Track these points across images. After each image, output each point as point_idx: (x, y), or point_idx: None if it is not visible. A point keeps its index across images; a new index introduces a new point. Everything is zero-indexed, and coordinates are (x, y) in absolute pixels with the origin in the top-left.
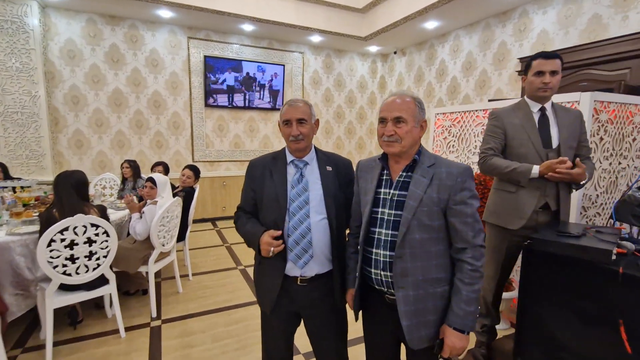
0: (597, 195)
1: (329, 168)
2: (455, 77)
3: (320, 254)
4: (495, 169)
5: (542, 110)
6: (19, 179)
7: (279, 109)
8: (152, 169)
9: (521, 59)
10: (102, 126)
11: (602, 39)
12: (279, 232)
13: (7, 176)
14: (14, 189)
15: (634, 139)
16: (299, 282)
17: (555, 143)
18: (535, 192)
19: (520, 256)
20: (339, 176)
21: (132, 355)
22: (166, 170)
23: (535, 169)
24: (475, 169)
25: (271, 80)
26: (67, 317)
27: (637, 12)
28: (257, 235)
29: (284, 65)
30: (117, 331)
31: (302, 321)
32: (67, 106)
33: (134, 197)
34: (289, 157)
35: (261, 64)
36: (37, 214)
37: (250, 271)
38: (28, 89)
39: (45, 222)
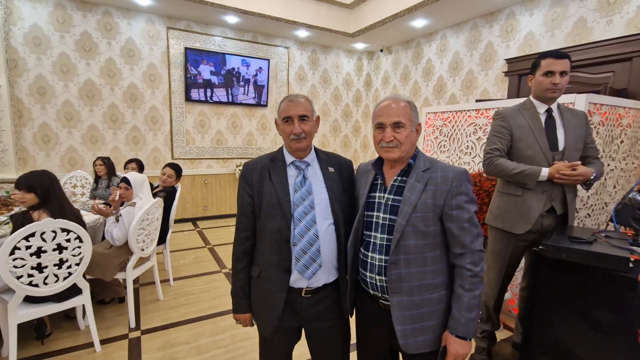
0: (588, 197)
1: (332, 169)
2: (441, 77)
3: (328, 262)
4: (502, 171)
5: (549, 111)
6: None
7: (263, 105)
8: (125, 167)
9: (508, 60)
10: (72, 120)
11: (587, 42)
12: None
13: None
14: None
15: (622, 141)
16: (303, 294)
17: (561, 145)
18: (542, 196)
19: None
20: (342, 178)
21: None
22: (140, 168)
23: (545, 172)
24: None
25: (256, 75)
26: (33, 330)
27: (621, 17)
28: (239, 305)
29: (268, 60)
30: (91, 344)
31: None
32: (33, 97)
33: (100, 204)
34: (289, 158)
35: (245, 58)
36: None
37: None
38: None
39: (20, 226)
